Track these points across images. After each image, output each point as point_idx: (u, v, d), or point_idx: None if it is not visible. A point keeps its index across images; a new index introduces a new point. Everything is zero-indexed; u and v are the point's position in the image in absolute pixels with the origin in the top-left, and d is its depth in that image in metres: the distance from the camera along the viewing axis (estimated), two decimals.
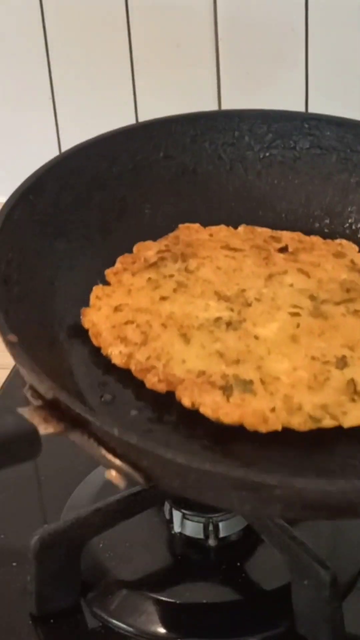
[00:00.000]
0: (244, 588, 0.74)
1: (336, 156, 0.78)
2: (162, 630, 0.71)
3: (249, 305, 0.68)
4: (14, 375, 0.97)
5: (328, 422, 0.61)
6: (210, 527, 0.75)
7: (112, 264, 0.72)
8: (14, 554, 0.76)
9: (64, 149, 1.09)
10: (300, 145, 0.78)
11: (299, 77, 1.08)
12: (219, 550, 0.76)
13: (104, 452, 0.54)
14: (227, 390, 0.62)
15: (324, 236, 0.76)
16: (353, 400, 0.62)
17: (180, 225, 0.75)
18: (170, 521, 0.76)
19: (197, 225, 0.75)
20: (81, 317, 0.69)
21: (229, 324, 0.67)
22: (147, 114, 1.04)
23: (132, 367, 0.65)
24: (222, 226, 0.76)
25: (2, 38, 1.12)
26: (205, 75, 1.12)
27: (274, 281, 0.71)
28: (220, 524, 0.75)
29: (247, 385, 0.62)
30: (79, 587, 0.73)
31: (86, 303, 0.70)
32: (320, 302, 0.69)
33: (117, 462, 0.54)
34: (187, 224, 0.75)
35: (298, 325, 0.66)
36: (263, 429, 0.61)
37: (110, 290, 0.70)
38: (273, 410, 0.61)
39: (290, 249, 0.74)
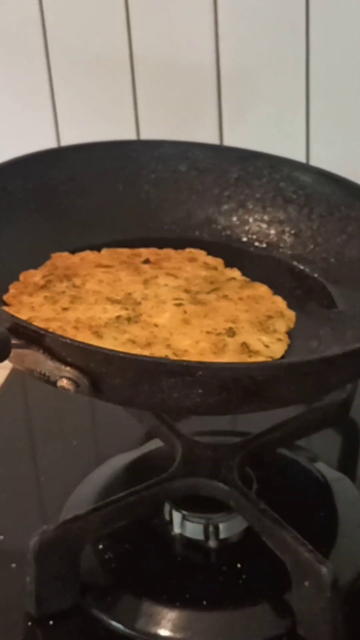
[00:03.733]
0: (244, 590, 0.74)
1: (214, 175, 0.90)
2: (161, 631, 0.71)
3: (139, 303, 0.79)
4: (14, 375, 0.97)
5: None
6: (211, 529, 0.76)
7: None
8: (14, 554, 0.76)
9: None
10: (180, 168, 0.90)
11: (299, 76, 1.09)
12: (219, 551, 0.76)
13: (55, 363, 0.64)
14: None
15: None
16: (250, 357, 0.75)
17: (53, 255, 0.85)
18: (170, 522, 0.77)
19: (66, 254, 0.85)
20: None
21: (129, 319, 0.77)
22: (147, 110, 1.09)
23: None
24: (87, 251, 0.86)
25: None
26: (204, 78, 1.12)
27: (151, 283, 0.82)
28: (221, 525, 0.76)
29: None
30: (79, 588, 0.73)
31: None
32: (195, 293, 0.82)
33: (67, 369, 0.64)
34: (58, 253, 0.85)
35: (185, 312, 0.79)
36: None
37: (14, 310, 0.77)
38: None
39: (152, 260, 0.86)
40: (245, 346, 0.75)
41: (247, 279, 0.85)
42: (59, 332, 0.74)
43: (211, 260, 0.87)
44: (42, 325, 0.74)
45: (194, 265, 0.86)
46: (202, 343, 0.75)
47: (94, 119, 1.11)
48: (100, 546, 0.76)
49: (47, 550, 0.71)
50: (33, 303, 0.78)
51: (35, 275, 0.82)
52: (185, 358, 0.73)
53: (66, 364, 0.64)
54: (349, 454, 0.87)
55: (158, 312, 0.78)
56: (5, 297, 0.79)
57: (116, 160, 0.89)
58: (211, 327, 0.77)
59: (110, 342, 0.74)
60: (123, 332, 0.75)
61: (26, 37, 1.10)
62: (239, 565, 0.75)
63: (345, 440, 0.88)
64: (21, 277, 0.81)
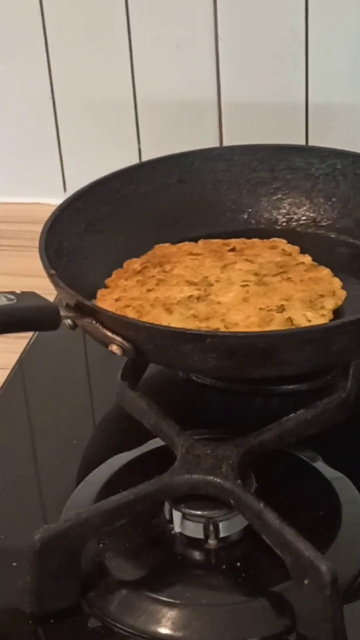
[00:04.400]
0: (244, 588, 0.74)
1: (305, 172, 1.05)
2: (162, 630, 0.71)
3: (211, 285, 0.93)
4: (14, 375, 0.97)
5: None
6: (211, 527, 0.76)
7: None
8: (14, 554, 0.76)
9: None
10: (277, 168, 1.05)
11: (299, 77, 1.10)
12: (219, 550, 0.76)
13: (106, 331, 0.79)
14: None
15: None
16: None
17: (156, 246, 1.00)
18: (170, 521, 0.77)
19: (167, 244, 1.00)
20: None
21: (199, 298, 0.91)
22: (148, 114, 1.20)
23: None
24: (186, 242, 1.00)
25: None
26: (205, 75, 1.14)
27: (228, 268, 0.95)
28: (221, 524, 0.76)
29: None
30: (79, 587, 0.73)
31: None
32: (262, 276, 0.94)
33: (114, 336, 0.79)
34: (159, 245, 1.00)
35: (248, 292, 0.91)
36: None
37: (109, 291, 0.93)
38: None
39: (237, 249, 0.99)
40: (289, 320, 0.87)
41: (315, 264, 0.96)
42: (138, 309, 0.89)
43: (289, 247, 0.99)
44: (126, 303, 0.91)
45: (273, 252, 0.98)
46: (252, 318, 0.87)
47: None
48: (101, 545, 0.77)
49: (48, 549, 0.71)
50: (126, 285, 0.93)
51: (135, 263, 0.97)
52: (234, 330, 0.85)
53: (114, 332, 0.79)
54: (349, 454, 0.87)
55: (224, 292, 0.91)
56: (106, 281, 0.95)
57: (220, 164, 1.04)
58: (265, 305, 0.89)
59: (177, 316, 0.88)
60: (190, 309, 0.89)
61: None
62: (238, 564, 0.75)
63: (345, 440, 0.88)
64: (124, 264, 0.97)
